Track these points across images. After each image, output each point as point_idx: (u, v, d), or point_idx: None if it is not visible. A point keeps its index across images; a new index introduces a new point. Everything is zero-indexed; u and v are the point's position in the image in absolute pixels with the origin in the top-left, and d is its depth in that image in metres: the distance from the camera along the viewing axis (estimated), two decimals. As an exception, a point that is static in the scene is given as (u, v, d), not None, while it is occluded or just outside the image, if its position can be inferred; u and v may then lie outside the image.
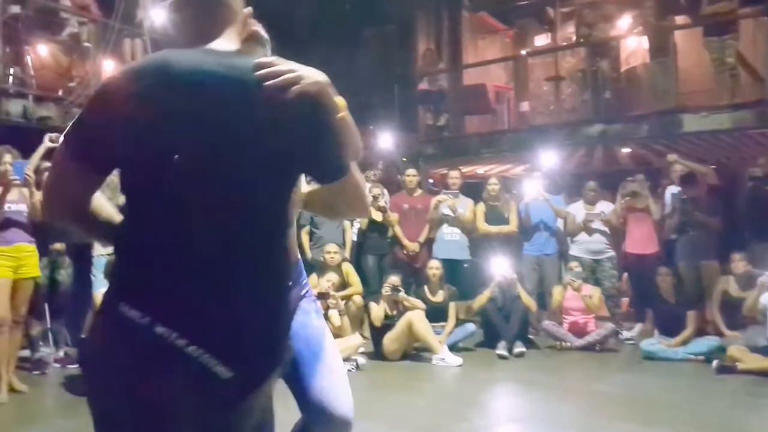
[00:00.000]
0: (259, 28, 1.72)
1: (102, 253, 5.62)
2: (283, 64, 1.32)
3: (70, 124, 1.31)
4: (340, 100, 1.45)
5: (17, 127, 6.26)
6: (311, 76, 1.33)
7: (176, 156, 1.23)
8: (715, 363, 5.26)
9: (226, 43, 1.41)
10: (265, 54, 1.60)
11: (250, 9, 1.49)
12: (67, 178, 1.32)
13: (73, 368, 5.27)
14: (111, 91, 1.29)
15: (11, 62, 6.74)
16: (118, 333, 1.26)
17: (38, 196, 4.89)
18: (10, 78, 6.64)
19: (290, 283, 1.46)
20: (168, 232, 1.27)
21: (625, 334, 6.68)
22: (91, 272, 5.69)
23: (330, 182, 1.40)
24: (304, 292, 2.08)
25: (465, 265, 6.91)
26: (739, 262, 6.02)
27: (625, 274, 7.29)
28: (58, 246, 5.57)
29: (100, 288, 5.18)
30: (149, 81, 1.26)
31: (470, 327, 6.24)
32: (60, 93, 7.06)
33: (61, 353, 5.67)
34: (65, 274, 5.64)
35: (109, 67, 7.84)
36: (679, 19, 8.41)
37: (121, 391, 1.24)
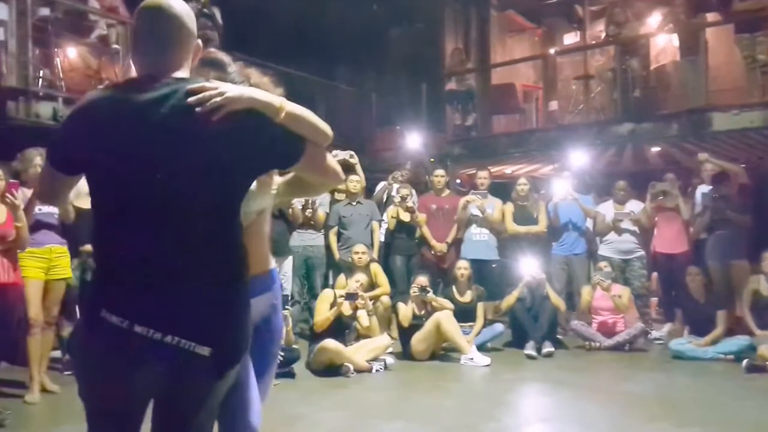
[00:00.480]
0: (216, 53, 2.00)
1: None
2: (212, 88, 1.54)
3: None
4: (279, 101, 1.66)
5: (47, 130, 6.19)
6: (237, 93, 1.56)
7: (120, 173, 1.53)
8: (745, 362, 5.25)
9: (177, 69, 1.63)
10: (223, 75, 1.87)
11: (199, 42, 1.72)
12: (45, 173, 1.75)
13: None
14: (70, 116, 1.66)
15: (41, 64, 6.80)
16: (103, 335, 1.50)
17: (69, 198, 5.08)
18: (40, 80, 6.69)
19: (243, 280, 1.63)
20: (128, 243, 1.54)
21: (654, 333, 6.67)
22: None
23: (290, 166, 1.69)
24: (273, 302, 2.09)
25: (493, 266, 6.95)
26: (769, 262, 5.97)
27: (654, 274, 7.26)
28: (89, 248, 5.47)
29: None
30: (88, 114, 1.59)
31: (498, 327, 6.27)
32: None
33: None
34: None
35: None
36: (710, 17, 8.32)
37: (111, 383, 1.54)
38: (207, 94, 1.53)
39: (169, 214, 1.53)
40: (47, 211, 4.68)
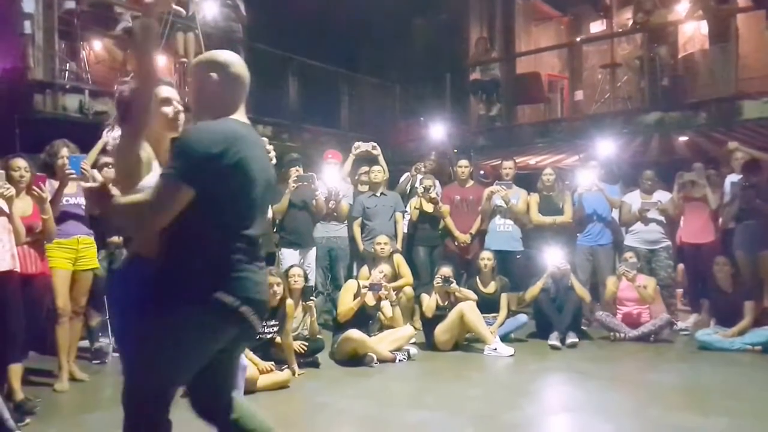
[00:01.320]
0: None
1: None
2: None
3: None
4: None
5: (74, 122, 6.39)
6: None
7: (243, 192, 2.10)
8: (773, 354, 5.17)
9: (242, 115, 2.22)
10: None
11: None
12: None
13: None
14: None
15: (67, 57, 6.89)
16: (219, 310, 2.02)
17: None
18: (66, 73, 6.78)
19: None
20: (237, 246, 2.08)
21: (680, 324, 6.59)
22: None
23: None
24: None
25: (517, 257, 6.91)
26: (798, 252, 5.86)
27: (681, 265, 7.16)
28: (116, 239, 5.56)
29: None
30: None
31: (522, 318, 6.25)
32: (116, 87, 7.24)
33: None
34: None
35: (162, 62, 8.09)
36: (741, 2, 8.15)
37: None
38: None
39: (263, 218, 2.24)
40: (74, 202, 4.75)
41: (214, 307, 2.01)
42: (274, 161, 2.35)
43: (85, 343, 5.50)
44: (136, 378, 2.13)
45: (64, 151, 4.61)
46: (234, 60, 2.23)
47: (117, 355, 5.55)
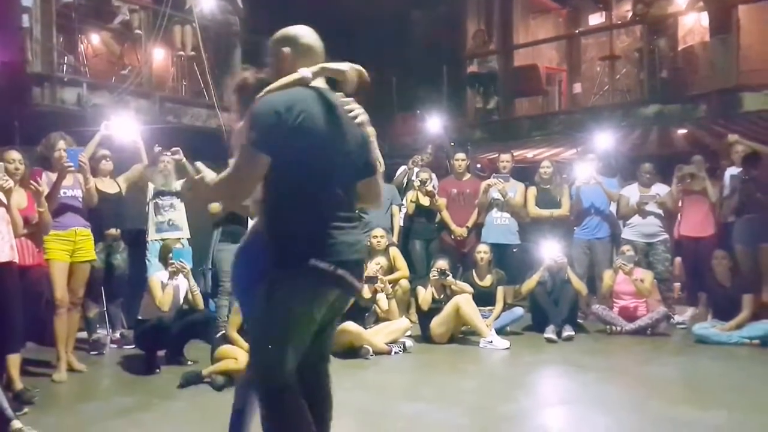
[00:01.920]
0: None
1: (155, 238, 5.85)
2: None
3: None
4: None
5: (72, 115, 6.41)
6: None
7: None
8: (771, 347, 5.17)
9: (320, 82, 2.28)
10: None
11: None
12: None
13: (130, 349, 5.45)
14: None
15: (65, 51, 6.88)
16: (316, 275, 2.11)
17: (93, 182, 5.05)
18: (64, 66, 6.77)
19: None
20: (327, 210, 2.15)
21: (677, 318, 6.58)
22: (146, 257, 5.91)
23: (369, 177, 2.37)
24: None
25: (514, 250, 6.90)
26: (798, 245, 5.86)
27: (678, 259, 7.15)
28: (113, 231, 5.68)
29: (154, 272, 5.36)
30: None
31: (518, 311, 6.25)
32: (113, 80, 7.20)
33: (117, 335, 5.79)
34: (121, 259, 5.74)
35: (160, 55, 8.06)
36: (743, -7, 8.09)
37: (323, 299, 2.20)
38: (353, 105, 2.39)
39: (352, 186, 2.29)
40: (72, 194, 4.78)
41: (312, 273, 2.11)
42: (361, 120, 2.34)
43: (86, 335, 5.54)
44: (260, 352, 2.20)
45: (61, 144, 4.64)
46: (304, 32, 2.35)
47: (115, 346, 5.64)
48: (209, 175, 2.26)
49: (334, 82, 2.34)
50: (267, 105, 2.13)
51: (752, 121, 7.72)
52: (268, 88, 2.24)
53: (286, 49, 2.30)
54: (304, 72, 2.22)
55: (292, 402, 2.17)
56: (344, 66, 2.30)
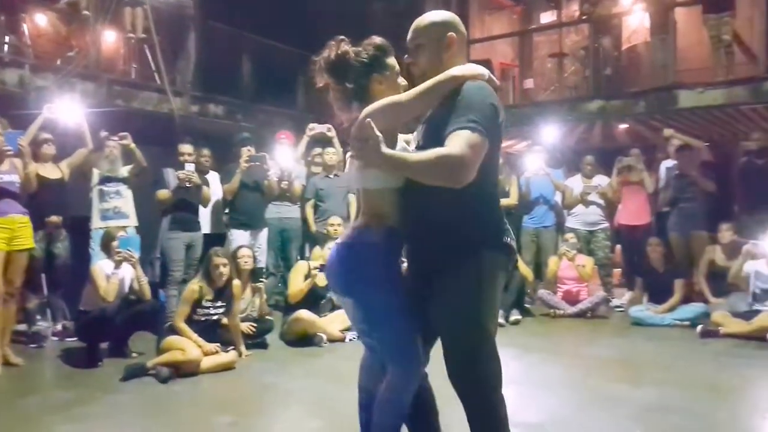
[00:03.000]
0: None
1: (100, 226, 5.62)
2: None
3: None
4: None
5: (13, 97, 6.15)
6: None
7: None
8: (699, 328, 5.49)
9: None
10: None
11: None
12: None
13: (72, 341, 5.19)
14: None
15: (7, 30, 6.61)
16: (505, 249, 2.14)
17: (33, 167, 4.84)
18: (5, 46, 6.51)
19: None
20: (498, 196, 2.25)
21: (616, 301, 6.92)
22: (89, 245, 5.67)
23: None
24: None
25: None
26: (726, 232, 6.23)
27: (618, 246, 7.47)
28: (55, 219, 5.47)
29: (97, 261, 5.14)
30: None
31: (468, 297, 6.40)
32: (58, 62, 6.93)
33: (58, 326, 5.57)
34: (62, 247, 5.54)
35: (110, 37, 7.81)
36: (681, -5, 8.46)
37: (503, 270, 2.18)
38: None
39: None
40: (8, 179, 4.57)
41: (506, 248, 2.15)
42: None
43: (26, 327, 5.34)
44: (468, 336, 2.09)
45: None
46: (458, 20, 2.24)
47: (56, 338, 5.38)
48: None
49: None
50: (483, 95, 2.03)
51: (686, 117, 8.11)
52: (463, 73, 2.06)
53: (452, 35, 2.16)
54: (485, 71, 2.11)
55: (503, 403, 2.12)
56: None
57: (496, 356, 2.12)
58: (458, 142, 1.92)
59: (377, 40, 2.21)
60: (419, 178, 1.99)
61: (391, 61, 2.21)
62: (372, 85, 2.16)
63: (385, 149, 1.90)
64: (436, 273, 2.14)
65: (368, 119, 1.91)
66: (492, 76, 2.14)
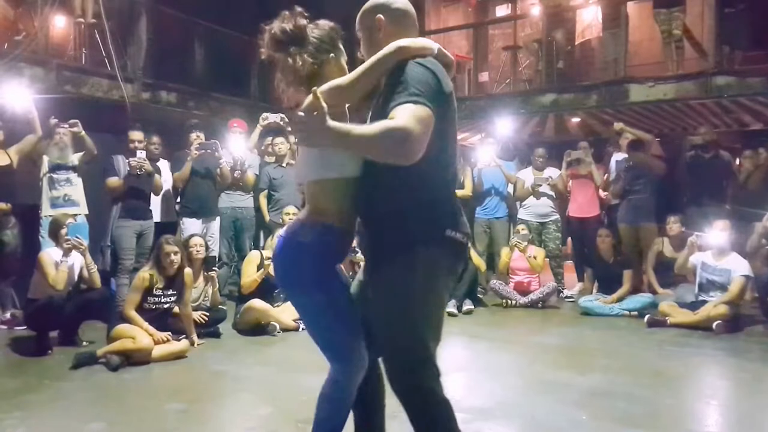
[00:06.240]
0: None
1: (50, 213, 5.51)
2: None
3: None
4: None
5: None
6: None
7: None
8: (646, 317, 5.64)
9: None
10: None
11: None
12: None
13: (21, 330, 5.16)
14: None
15: None
16: (448, 245, 1.99)
17: None
18: None
19: None
20: (452, 184, 2.08)
21: (566, 292, 7.07)
22: (39, 233, 5.57)
23: None
24: None
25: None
26: (673, 225, 6.41)
27: (570, 239, 7.61)
28: (3, 205, 5.41)
29: (47, 248, 5.05)
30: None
31: (422, 286, 6.45)
32: (5, 47, 6.76)
33: (7, 315, 5.55)
34: (11, 235, 5.48)
35: (60, 22, 7.64)
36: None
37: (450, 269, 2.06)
38: None
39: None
40: None
41: (449, 245, 1.99)
42: None
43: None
44: (398, 341, 1.94)
45: None
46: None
47: (5, 327, 5.35)
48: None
49: None
50: (423, 68, 1.93)
51: (637, 111, 8.31)
52: (409, 45, 1.98)
53: (380, 16, 2.10)
54: (434, 45, 2.04)
55: (443, 398, 1.96)
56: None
57: (431, 363, 1.95)
58: (402, 114, 1.82)
59: (331, 23, 2.17)
60: (366, 153, 1.91)
61: (342, 46, 2.18)
62: (325, 65, 2.10)
63: (330, 122, 1.78)
64: (373, 268, 2.07)
65: (316, 88, 1.82)
66: (444, 50, 2.08)
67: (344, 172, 2.02)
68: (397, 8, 2.13)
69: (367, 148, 1.87)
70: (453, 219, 2.01)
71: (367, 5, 2.17)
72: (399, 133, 1.79)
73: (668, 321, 5.54)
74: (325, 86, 1.96)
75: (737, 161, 7.10)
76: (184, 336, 4.77)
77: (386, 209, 2.00)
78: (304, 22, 2.10)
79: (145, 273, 4.65)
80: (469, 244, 2.16)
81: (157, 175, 6.00)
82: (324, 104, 1.77)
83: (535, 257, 6.61)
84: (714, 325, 5.32)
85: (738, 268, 5.55)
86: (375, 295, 2.05)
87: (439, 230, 1.98)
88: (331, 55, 2.11)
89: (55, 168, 5.69)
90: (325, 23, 2.16)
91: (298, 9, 2.12)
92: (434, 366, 1.95)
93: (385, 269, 1.99)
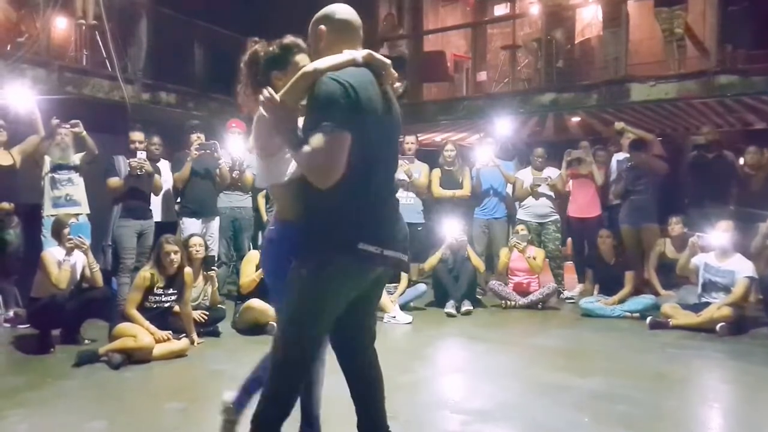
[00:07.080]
0: None
1: (52, 213, 5.60)
2: None
3: None
4: None
5: None
6: None
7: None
8: (648, 319, 5.60)
9: None
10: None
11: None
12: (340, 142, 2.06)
13: (24, 328, 5.22)
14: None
15: None
16: (363, 259, 2.08)
17: None
18: None
19: None
20: (376, 194, 2.13)
21: (566, 293, 7.05)
22: (41, 233, 5.66)
23: None
24: None
25: (419, 228, 7.07)
26: (675, 225, 6.37)
27: (570, 239, 7.58)
28: (6, 205, 5.47)
29: (49, 247, 5.13)
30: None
31: (421, 287, 6.46)
32: (8, 48, 6.80)
33: (10, 313, 5.59)
34: (14, 234, 5.54)
35: (61, 23, 7.66)
36: (633, -12, 8.58)
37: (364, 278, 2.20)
38: None
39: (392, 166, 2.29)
40: None
41: (360, 256, 2.08)
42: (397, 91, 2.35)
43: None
44: (288, 332, 2.20)
45: None
46: (339, 8, 2.29)
47: (8, 325, 5.44)
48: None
49: None
50: (334, 84, 2.02)
51: (638, 111, 8.28)
52: (317, 67, 2.11)
53: (322, 27, 2.24)
54: (355, 54, 2.15)
55: (301, 375, 2.25)
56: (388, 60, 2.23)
57: (296, 376, 2.23)
58: (313, 144, 1.98)
59: (286, 39, 2.34)
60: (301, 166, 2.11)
61: (298, 58, 2.31)
62: (272, 81, 2.28)
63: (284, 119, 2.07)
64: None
65: (267, 89, 2.11)
66: (375, 55, 2.19)
67: (287, 178, 2.24)
68: (339, 19, 2.27)
69: (299, 164, 2.11)
70: (367, 230, 2.10)
71: (315, 16, 2.31)
72: (310, 164, 2.01)
73: (671, 323, 5.52)
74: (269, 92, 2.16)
75: (741, 161, 7.04)
76: (184, 335, 4.80)
77: (307, 212, 2.16)
78: (256, 48, 2.38)
79: (146, 272, 4.69)
80: (407, 258, 2.27)
81: (157, 176, 6.07)
82: (276, 97, 2.08)
83: (534, 258, 6.60)
84: (717, 327, 5.29)
85: (742, 269, 5.51)
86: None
87: (343, 239, 2.08)
88: (276, 71, 2.31)
89: (56, 168, 5.76)
90: (279, 42, 2.36)
91: (255, 39, 2.42)
92: (314, 356, 2.28)
93: (292, 271, 2.16)
